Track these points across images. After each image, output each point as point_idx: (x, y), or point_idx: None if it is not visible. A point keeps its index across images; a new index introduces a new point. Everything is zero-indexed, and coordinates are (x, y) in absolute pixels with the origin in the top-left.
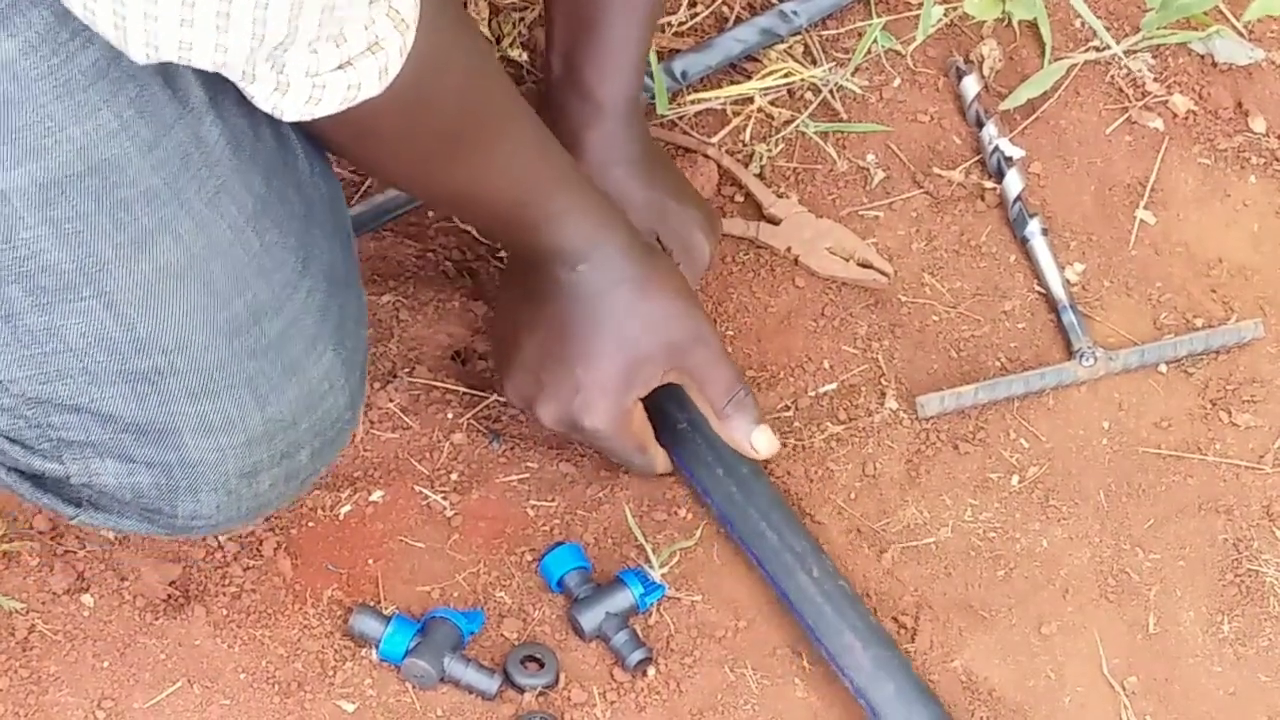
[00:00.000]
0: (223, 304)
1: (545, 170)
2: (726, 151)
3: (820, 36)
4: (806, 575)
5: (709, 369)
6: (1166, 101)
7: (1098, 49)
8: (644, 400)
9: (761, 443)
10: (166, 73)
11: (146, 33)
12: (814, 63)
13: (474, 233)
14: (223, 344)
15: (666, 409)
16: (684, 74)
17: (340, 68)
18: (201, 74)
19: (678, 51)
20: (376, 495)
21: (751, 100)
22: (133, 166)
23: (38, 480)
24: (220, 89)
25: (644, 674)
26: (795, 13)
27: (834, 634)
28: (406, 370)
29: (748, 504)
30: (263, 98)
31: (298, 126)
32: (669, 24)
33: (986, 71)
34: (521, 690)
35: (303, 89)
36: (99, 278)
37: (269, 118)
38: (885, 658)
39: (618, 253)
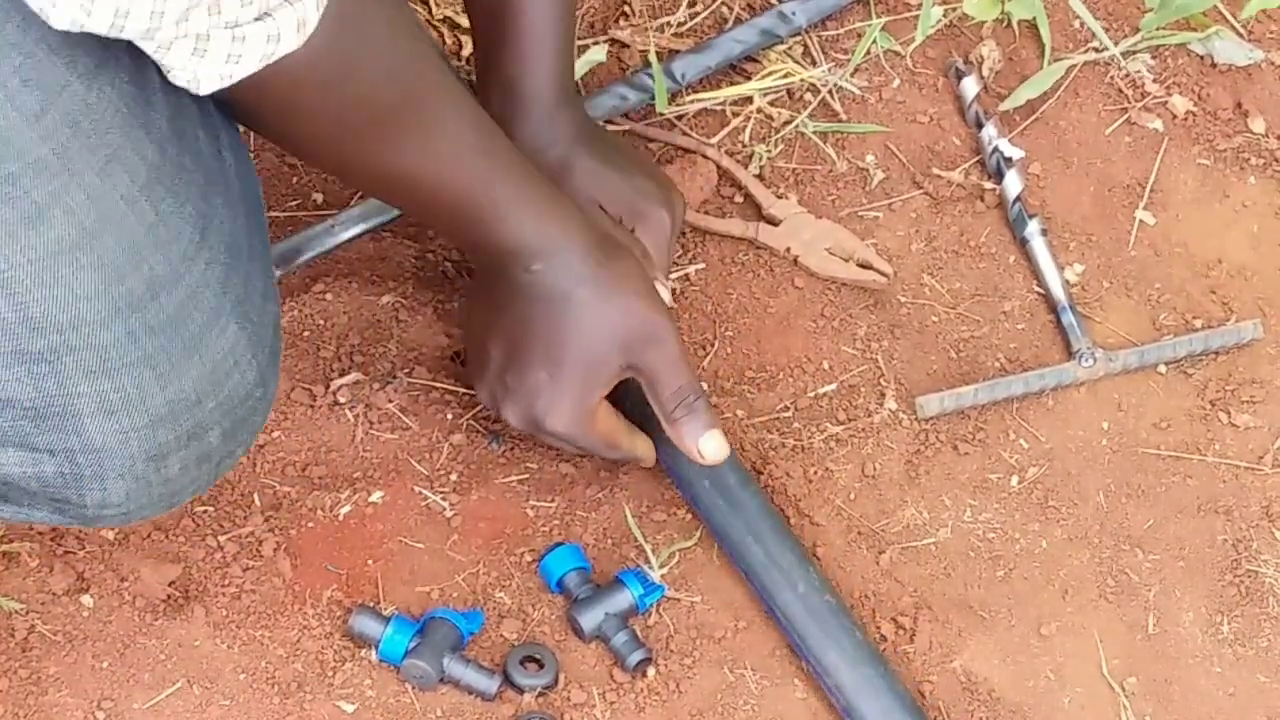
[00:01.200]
0: (117, 278)
1: (486, 159)
2: (726, 152)
3: (820, 37)
4: (792, 591)
5: (662, 369)
6: (1166, 102)
7: (1097, 50)
8: (633, 404)
9: (709, 448)
10: (51, 40)
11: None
12: (813, 63)
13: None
14: (119, 321)
15: (653, 417)
16: (683, 75)
17: (259, 19)
18: (91, 40)
19: (677, 52)
20: (376, 496)
21: (751, 101)
22: (19, 138)
23: None
24: (110, 56)
25: (643, 675)
26: (795, 13)
27: (820, 652)
28: (406, 371)
29: (735, 516)
30: (180, 66)
31: (219, 103)
32: (669, 24)
33: (986, 72)
34: (521, 691)
35: (222, 45)
36: None
37: (164, 86)
38: (870, 676)
39: (574, 251)
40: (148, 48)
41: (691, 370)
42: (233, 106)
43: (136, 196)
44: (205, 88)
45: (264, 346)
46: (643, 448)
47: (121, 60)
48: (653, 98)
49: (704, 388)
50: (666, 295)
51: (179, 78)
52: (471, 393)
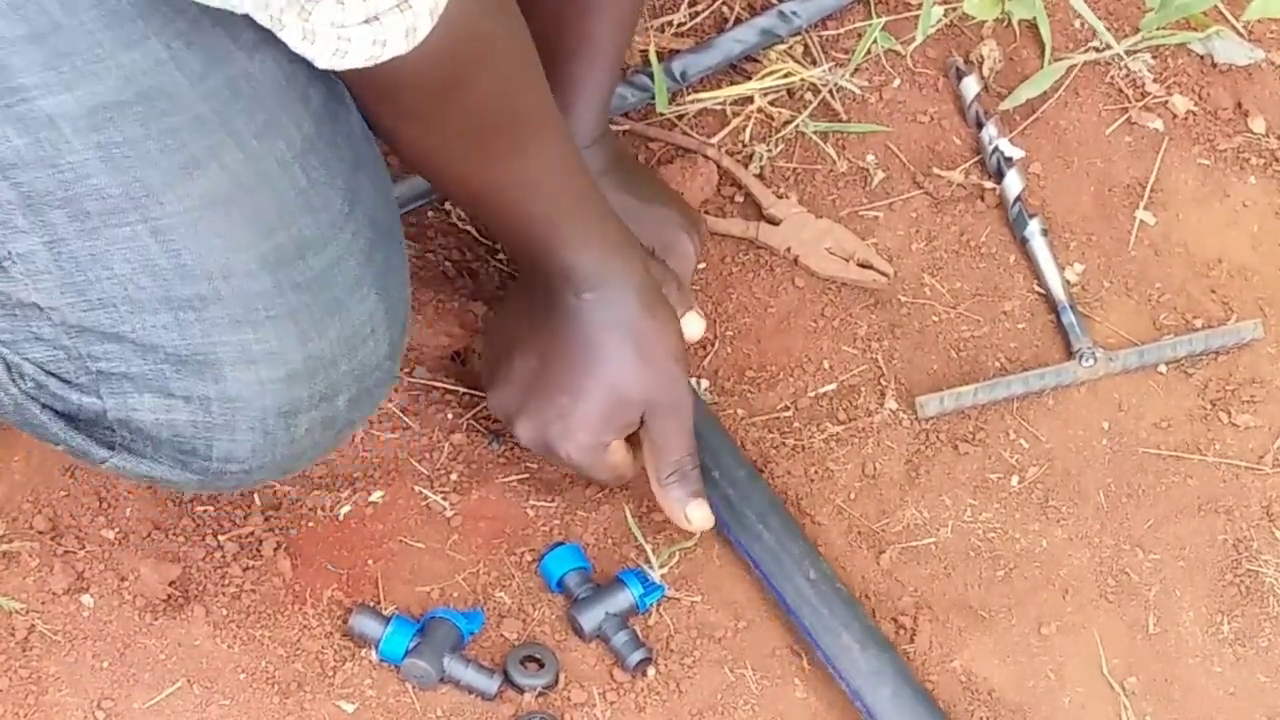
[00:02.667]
0: (267, 234)
1: (571, 189)
2: (726, 152)
3: (820, 37)
4: (804, 578)
5: (671, 436)
6: (1166, 102)
7: (1097, 49)
8: None
9: (696, 515)
10: (218, 14)
11: None
12: (814, 63)
13: (474, 233)
14: (267, 274)
15: None
16: (683, 74)
17: (366, 22)
18: (254, 20)
19: (678, 52)
20: (376, 495)
21: (751, 100)
22: (182, 94)
23: (72, 420)
24: (271, 34)
25: (644, 674)
26: (795, 13)
27: (831, 637)
28: (406, 370)
29: (744, 506)
30: (293, 45)
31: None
32: (669, 24)
33: (986, 72)
34: (521, 690)
35: (328, 40)
36: (145, 203)
37: (321, 70)
38: (882, 661)
39: (626, 290)
40: (261, 21)
41: (694, 440)
42: (351, 88)
43: (290, 162)
44: (320, 65)
45: (397, 323)
46: (630, 471)
47: (279, 41)
48: (652, 97)
49: (698, 460)
50: (701, 326)
51: (295, 50)
52: (472, 392)
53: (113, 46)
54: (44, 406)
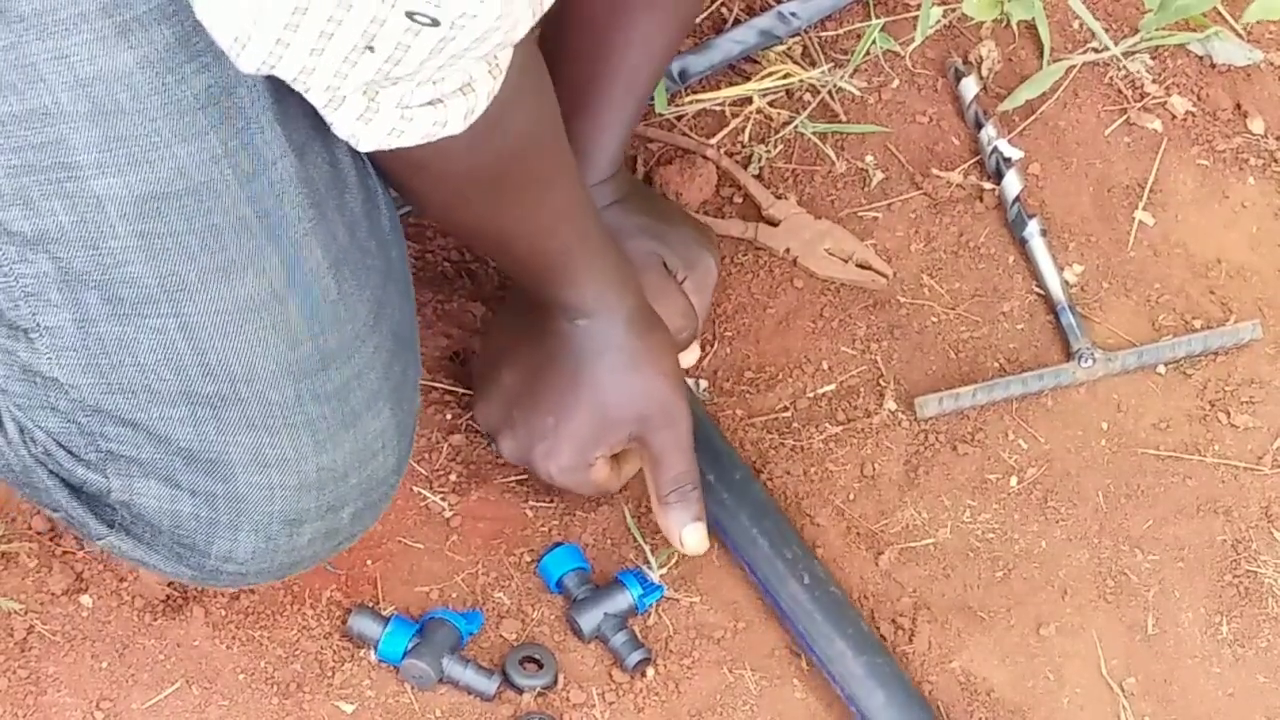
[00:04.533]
0: (295, 343)
1: (579, 229)
2: (725, 153)
3: (819, 37)
4: (798, 582)
5: (669, 452)
6: (1165, 103)
7: (1096, 50)
8: None
9: (691, 540)
10: (277, 111)
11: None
12: (813, 64)
13: None
14: (289, 384)
15: None
16: (682, 74)
17: (430, 104)
18: (303, 118)
19: (677, 53)
20: None
21: (750, 101)
22: (230, 194)
23: (75, 491)
24: (317, 135)
25: (643, 675)
26: (794, 14)
27: (825, 641)
28: None
29: (739, 510)
30: (343, 124)
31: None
32: None
33: (985, 72)
34: (520, 691)
35: (388, 120)
36: (179, 298)
37: (358, 171)
38: (877, 665)
39: (621, 319)
40: (317, 101)
41: (694, 458)
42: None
43: (324, 272)
44: (364, 147)
45: (407, 435)
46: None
47: (324, 140)
48: (652, 98)
49: (699, 481)
50: (695, 355)
51: (341, 131)
52: (471, 393)
53: (170, 136)
54: (51, 473)
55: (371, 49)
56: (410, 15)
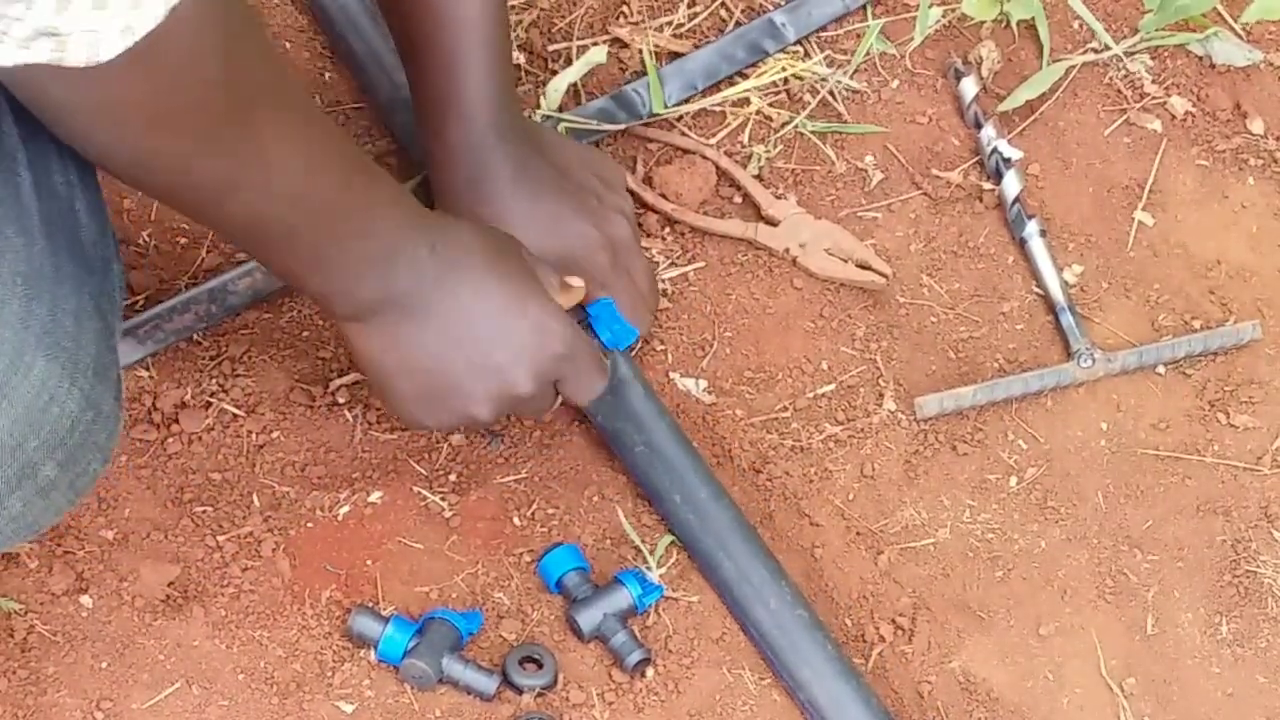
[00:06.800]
0: None
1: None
2: (725, 152)
3: (819, 37)
4: (764, 607)
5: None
6: (1165, 103)
7: (1096, 50)
8: (599, 419)
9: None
10: None
11: None
12: (812, 64)
13: None
14: None
15: (622, 431)
16: (670, 96)
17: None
18: None
19: (678, 55)
20: (375, 496)
21: (749, 101)
22: None
23: None
24: None
25: (642, 675)
26: (784, 25)
27: (793, 668)
28: None
29: (705, 532)
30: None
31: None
32: (669, 23)
33: (985, 73)
34: (520, 691)
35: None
36: None
37: None
38: (842, 692)
39: (461, 226)
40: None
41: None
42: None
43: None
44: (106, 52)
45: (84, 369)
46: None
47: None
48: (637, 115)
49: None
50: (580, 288)
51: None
52: None
53: None
54: None
55: None
56: None
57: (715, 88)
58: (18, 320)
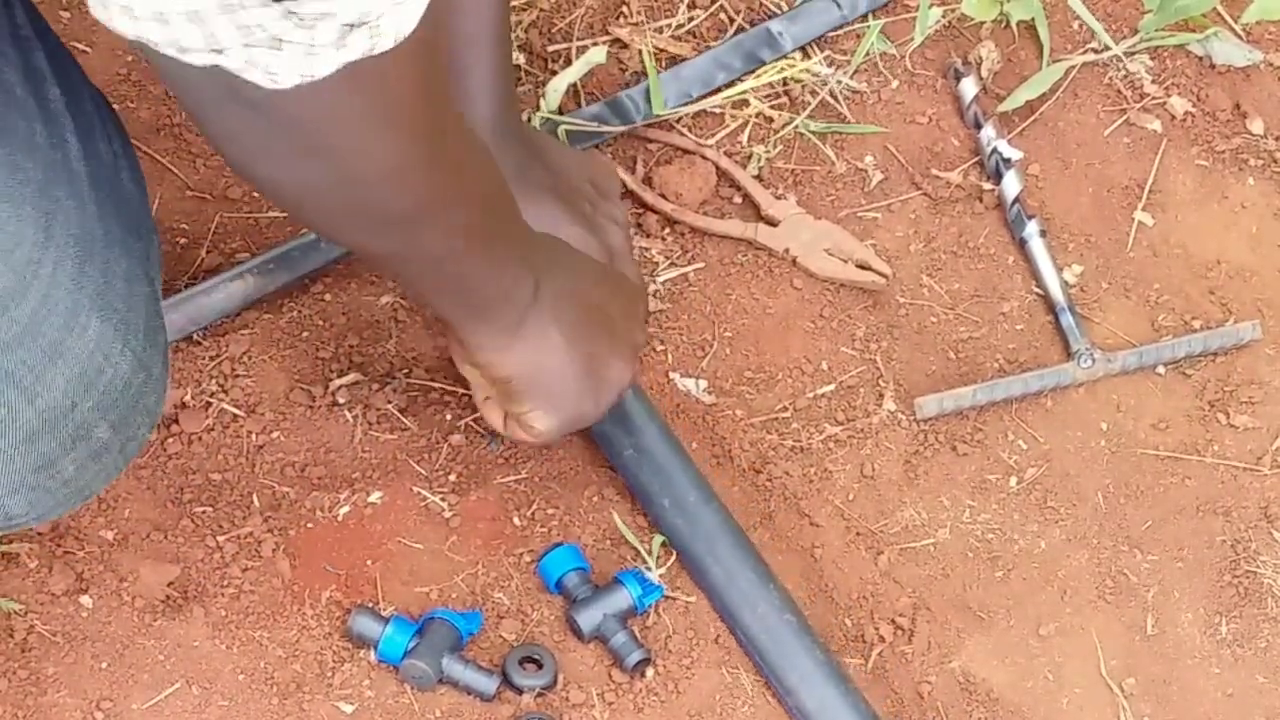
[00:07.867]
0: None
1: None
2: (724, 153)
3: (819, 38)
4: (751, 612)
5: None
6: (1165, 103)
7: (1096, 50)
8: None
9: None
10: None
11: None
12: (812, 64)
13: None
14: None
15: (613, 435)
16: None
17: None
18: None
19: (678, 56)
20: (375, 496)
21: (749, 102)
22: None
23: None
24: None
25: (642, 675)
26: (781, 34)
27: (781, 673)
28: (404, 371)
29: (694, 536)
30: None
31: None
32: (668, 25)
33: (985, 73)
34: (520, 691)
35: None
36: None
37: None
38: (829, 698)
39: (569, 270)
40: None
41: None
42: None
43: None
44: (408, 25)
45: (136, 331)
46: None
47: None
48: (631, 122)
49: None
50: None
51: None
52: (470, 393)
53: None
54: None
55: None
56: None
57: (715, 89)
58: (71, 281)
